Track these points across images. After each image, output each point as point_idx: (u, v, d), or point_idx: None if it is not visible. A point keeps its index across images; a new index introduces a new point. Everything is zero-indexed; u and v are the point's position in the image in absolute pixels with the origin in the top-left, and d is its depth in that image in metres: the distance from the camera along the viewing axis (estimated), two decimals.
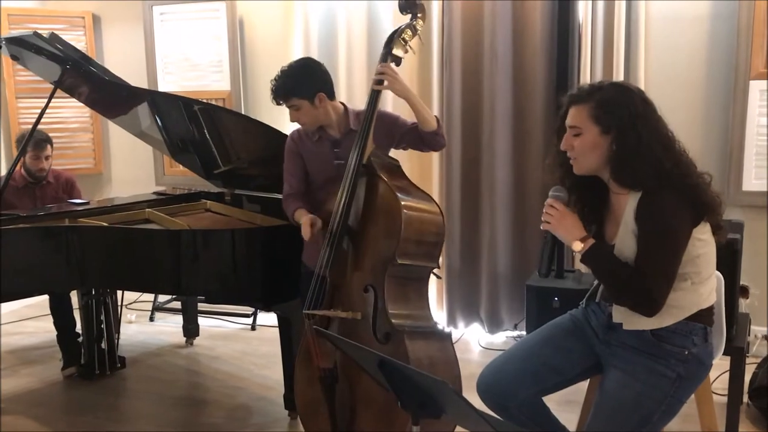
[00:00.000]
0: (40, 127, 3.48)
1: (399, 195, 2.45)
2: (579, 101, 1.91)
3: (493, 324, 4.20)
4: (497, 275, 4.16)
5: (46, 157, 3.81)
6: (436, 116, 2.68)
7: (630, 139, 1.82)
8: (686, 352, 1.86)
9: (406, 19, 2.64)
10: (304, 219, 2.63)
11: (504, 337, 4.18)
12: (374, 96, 2.58)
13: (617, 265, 1.86)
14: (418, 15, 2.62)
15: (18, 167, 3.79)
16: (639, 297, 1.82)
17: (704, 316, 1.90)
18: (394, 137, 2.77)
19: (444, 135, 2.73)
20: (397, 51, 2.60)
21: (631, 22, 3.79)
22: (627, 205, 1.87)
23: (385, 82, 2.55)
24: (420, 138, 2.70)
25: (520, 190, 4.07)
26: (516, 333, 4.15)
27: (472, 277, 4.23)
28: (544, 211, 1.96)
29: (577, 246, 1.89)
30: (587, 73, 3.85)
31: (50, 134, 3.88)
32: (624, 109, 1.83)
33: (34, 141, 3.71)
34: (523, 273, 4.05)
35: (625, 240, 1.87)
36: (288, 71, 2.70)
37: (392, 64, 2.60)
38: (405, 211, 2.42)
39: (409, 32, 2.61)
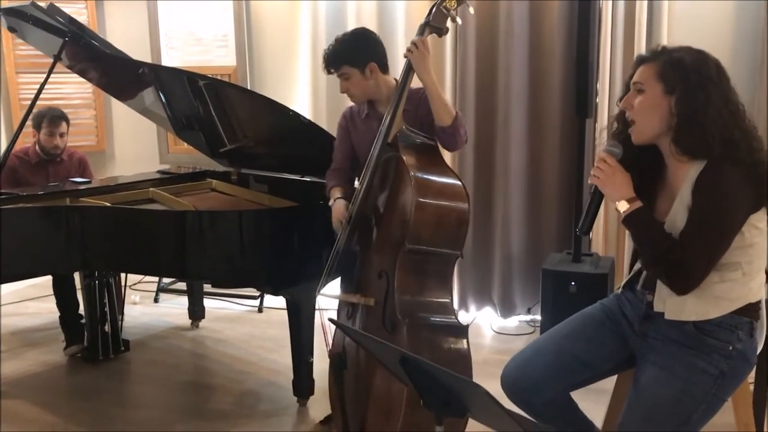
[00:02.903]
0: (40, 102, 3.37)
1: (415, 176, 2.30)
2: (648, 60, 1.80)
3: (506, 308, 4.10)
4: (511, 258, 4.05)
5: (61, 135, 3.73)
6: (457, 113, 2.47)
7: (697, 100, 1.69)
8: (730, 348, 1.74)
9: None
10: (337, 207, 2.58)
11: (517, 322, 4.09)
12: (406, 71, 2.45)
13: (659, 234, 1.74)
14: None
15: (33, 144, 3.77)
16: (675, 270, 1.70)
17: (751, 310, 1.78)
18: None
19: (459, 135, 2.48)
20: (436, 21, 2.44)
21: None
22: (686, 176, 1.75)
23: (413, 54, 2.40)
24: (436, 132, 2.52)
25: (536, 171, 3.95)
26: (529, 317, 4.05)
27: (485, 259, 4.12)
28: (594, 164, 1.83)
29: (623, 206, 1.77)
30: (607, 49, 3.71)
31: None
32: (694, 70, 1.71)
33: (49, 117, 3.66)
34: (537, 256, 3.95)
35: (678, 215, 1.75)
36: (341, 38, 2.64)
37: (430, 36, 2.45)
38: (418, 193, 2.28)
39: (454, 1, 2.44)
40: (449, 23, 2.48)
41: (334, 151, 2.84)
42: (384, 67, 2.65)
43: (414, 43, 2.41)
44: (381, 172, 2.46)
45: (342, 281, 2.81)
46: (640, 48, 3.64)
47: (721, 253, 1.71)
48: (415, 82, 2.48)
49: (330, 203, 2.68)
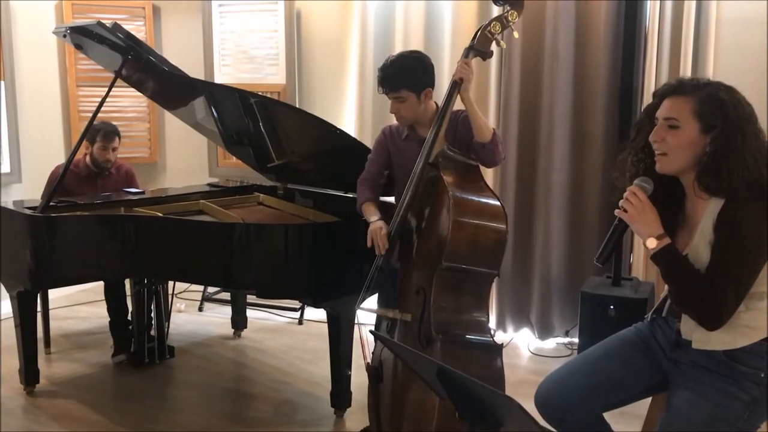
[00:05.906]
0: (99, 116, 3.51)
1: (453, 195, 2.35)
2: (681, 93, 1.77)
3: (544, 330, 4.11)
4: (550, 280, 4.06)
5: (114, 149, 3.86)
6: (494, 129, 2.55)
7: (732, 141, 1.69)
8: (762, 374, 1.74)
9: (486, 14, 2.58)
10: (375, 228, 2.59)
11: (554, 344, 4.09)
12: (451, 92, 2.51)
13: (689, 272, 1.74)
14: (512, 7, 2.53)
15: (83, 156, 3.87)
16: (705, 308, 1.71)
17: None
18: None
19: (497, 152, 2.55)
20: (480, 45, 2.52)
21: (701, 23, 3.64)
22: (706, 211, 1.76)
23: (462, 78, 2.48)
24: (474, 149, 2.59)
25: (577, 194, 3.97)
26: (567, 340, 4.05)
27: (524, 280, 4.14)
28: (624, 197, 1.82)
29: (652, 243, 1.76)
30: (652, 75, 3.72)
31: None
32: (731, 109, 1.71)
33: (104, 132, 3.79)
34: (576, 278, 3.95)
35: (699, 249, 1.76)
36: (402, 62, 2.63)
37: (474, 60, 2.53)
38: (455, 212, 2.33)
39: (498, 25, 2.52)
40: (494, 46, 2.55)
41: (369, 162, 2.89)
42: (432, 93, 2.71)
43: (465, 64, 2.49)
44: (422, 190, 2.51)
45: (379, 296, 2.88)
46: (686, 74, 3.64)
47: (748, 289, 1.71)
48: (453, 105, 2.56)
49: (369, 220, 2.68)
